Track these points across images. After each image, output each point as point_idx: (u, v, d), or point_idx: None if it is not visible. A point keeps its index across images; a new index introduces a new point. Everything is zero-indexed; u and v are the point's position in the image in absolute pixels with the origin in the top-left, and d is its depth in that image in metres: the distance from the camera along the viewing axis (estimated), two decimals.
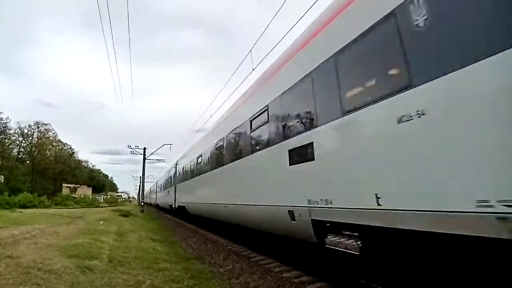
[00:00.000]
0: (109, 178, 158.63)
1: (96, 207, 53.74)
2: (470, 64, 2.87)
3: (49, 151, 78.31)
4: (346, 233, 4.83)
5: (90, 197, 77.98)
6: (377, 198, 3.94)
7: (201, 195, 14.12)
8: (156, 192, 39.69)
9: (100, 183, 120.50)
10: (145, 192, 54.44)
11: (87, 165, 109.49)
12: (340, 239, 4.90)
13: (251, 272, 7.03)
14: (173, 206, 22.40)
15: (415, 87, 3.42)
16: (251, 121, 8.42)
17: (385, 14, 3.92)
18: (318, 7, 6.53)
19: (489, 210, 2.70)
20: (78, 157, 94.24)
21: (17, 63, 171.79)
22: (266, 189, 7.28)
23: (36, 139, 74.65)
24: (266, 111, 7.43)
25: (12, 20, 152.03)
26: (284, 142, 6.43)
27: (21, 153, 74.30)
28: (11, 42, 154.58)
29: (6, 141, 67.59)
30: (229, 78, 16.20)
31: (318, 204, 5.19)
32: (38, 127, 75.26)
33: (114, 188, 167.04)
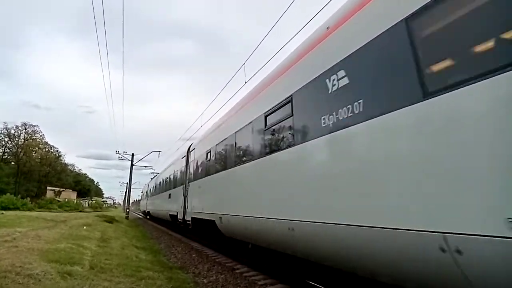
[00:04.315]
0: (95, 183, 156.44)
1: (80, 211, 52.94)
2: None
3: (35, 153, 77.13)
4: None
5: (75, 201, 76.69)
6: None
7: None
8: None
9: (85, 188, 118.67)
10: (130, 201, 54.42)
11: (73, 169, 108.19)
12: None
13: (235, 284, 6.96)
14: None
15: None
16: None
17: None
18: (313, 23, 6.61)
19: None
20: (64, 160, 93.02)
21: (6, 65, 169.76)
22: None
23: (22, 140, 73.53)
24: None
25: (2, 22, 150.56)
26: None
27: (6, 153, 73.11)
28: (1, 44, 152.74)
29: None
30: (221, 90, 16.45)
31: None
32: (25, 128, 74.22)
33: (99, 193, 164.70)
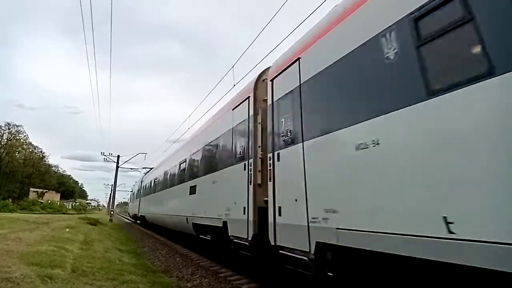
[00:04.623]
0: (79, 184, 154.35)
1: (64, 213, 52.20)
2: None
3: (18, 153, 75.96)
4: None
5: (58, 203, 75.67)
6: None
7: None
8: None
9: (69, 189, 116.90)
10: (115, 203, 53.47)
11: (57, 170, 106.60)
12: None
13: None
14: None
15: None
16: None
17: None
18: (302, 28, 6.68)
19: None
20: (48, 161, 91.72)
21: None
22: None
23: (5, 140, 72.29)
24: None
25: None
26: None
27: None
28: None
29: None
30: (209, 92, 16.47)
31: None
32: (9, 128, 73.11)
33: (84, 195, 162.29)
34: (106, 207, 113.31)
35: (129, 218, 44.89)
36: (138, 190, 30.33)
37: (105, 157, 39.26)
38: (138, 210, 28.35)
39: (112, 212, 37.63)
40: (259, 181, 6.57)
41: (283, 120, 5.85)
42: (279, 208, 5.56)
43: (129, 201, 46.16)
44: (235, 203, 7.32)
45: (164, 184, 17.35)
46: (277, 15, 9.26)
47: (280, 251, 5.38)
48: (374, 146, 3.67)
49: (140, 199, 28.23)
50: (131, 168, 47.55)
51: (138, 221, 32.77)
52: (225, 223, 7.80)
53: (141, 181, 29.38)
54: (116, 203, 54.70)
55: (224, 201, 8.03)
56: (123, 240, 16.57)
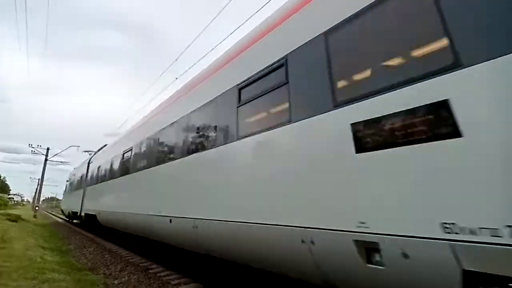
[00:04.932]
0: (1, 177, 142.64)
1: None
2: None
3: None
4: None
5: None
6: None
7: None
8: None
9: None
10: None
11: None
12: None
13: (148, 284, 6.79)
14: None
15: None
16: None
17: None
18: (245, 27, 6.78)
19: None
20: None
21: None
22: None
23: None
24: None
25: None
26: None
27: None
28: None
29: None
30: (151, 85, 16.13)
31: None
32: None
33: (6, 189, 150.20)
34: (31, 202, 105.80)
35: (63, 216, 34.83)
36: (82, 176, 21.08)
37: (33, 149, 36.69)
38: (81, 206, 18.95)
39: (37, 208, 35.26)
40: None
41: None
42: None
43: (64, 194, 32.61)
44: None
45: (162, 153, 8.31)
46: (221, 14, 9.31)
47: None
48: None
49: (85, 190, 18.87)
50: (62, 162, 44.88)
51: (73, 220, 25.06)
52: None
53: (89, 162, 19.90)
54: (42, 198, 51.33)
55: None
56: (47, 237, 15.60)
